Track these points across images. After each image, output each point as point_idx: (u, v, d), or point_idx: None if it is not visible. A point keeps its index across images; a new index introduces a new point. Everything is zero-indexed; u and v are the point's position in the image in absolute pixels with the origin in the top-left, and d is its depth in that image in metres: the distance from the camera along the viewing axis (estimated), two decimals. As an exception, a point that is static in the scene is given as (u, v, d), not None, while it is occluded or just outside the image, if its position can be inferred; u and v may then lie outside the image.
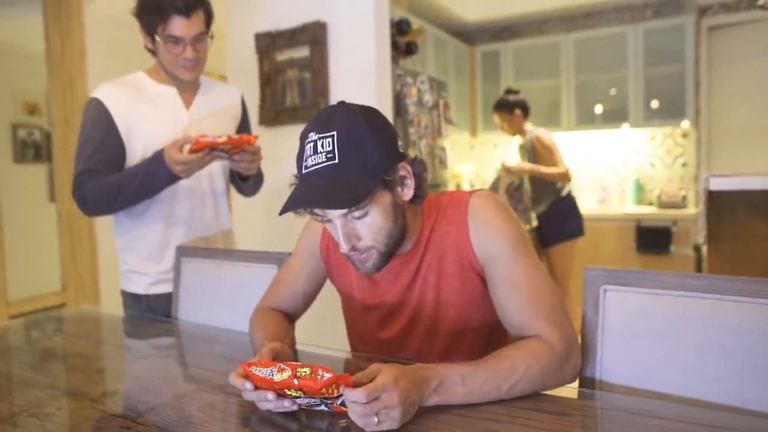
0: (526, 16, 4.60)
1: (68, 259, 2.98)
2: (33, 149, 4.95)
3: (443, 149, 3.29)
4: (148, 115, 1.51)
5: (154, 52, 1.52)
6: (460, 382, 0.80)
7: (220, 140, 1.36)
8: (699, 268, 3.77)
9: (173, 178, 1.41)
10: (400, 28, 2.94)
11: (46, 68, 2.98)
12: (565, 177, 3.13)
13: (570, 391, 0.91)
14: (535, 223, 3.17)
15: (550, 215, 3.19)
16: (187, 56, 1.45)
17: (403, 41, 2.96)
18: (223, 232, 1.69)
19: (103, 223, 3.03)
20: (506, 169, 3.06)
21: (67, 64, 2.93)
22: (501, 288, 0.95)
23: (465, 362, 0.84)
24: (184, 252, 1.55)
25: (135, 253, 1.57)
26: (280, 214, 0.91)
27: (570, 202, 3.24)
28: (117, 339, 1.35)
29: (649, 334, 0.93)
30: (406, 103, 2.84)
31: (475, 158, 5.00)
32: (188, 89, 1.59)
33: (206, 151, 1.36)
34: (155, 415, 0.85)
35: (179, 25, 1.40)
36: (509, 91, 3.34)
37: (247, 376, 0.82)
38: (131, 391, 0.94)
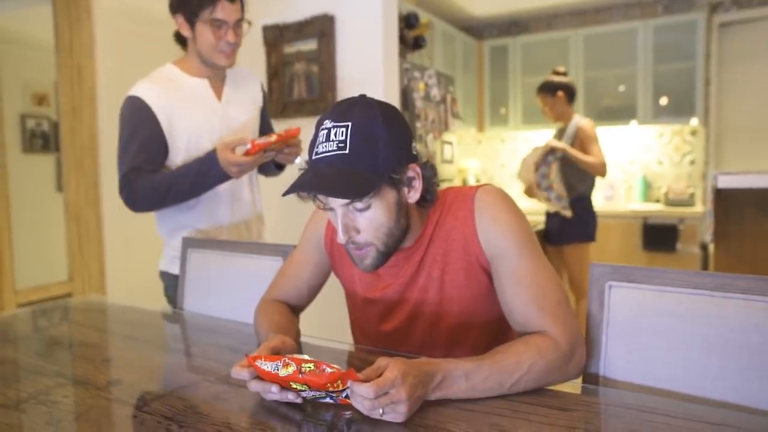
0: (535, 11, 4.57)
1: (75, 249, 3.00)
2: (41, 139, 4.97)
3: (450, 144, 3.28)
4: (186, 108, 1.55)
5: (184, 44, 1.62)
6: (464, 377, 0.81)
7: (272, 140, 1.45)
8: (705, 267, 3.75)
9: (226, 178, 1.48)
10: (408, 21, 2.93)
11: (55, 59, 2.98)
12: (603, 169, 2.92)
13: (574, 386, 0.91)
14: (569, 213, 2.97)
15: (573, 212, 3.00)
16: (228, 39, 1.51)
17: (411, 35, 2.95)
18: (258, 215, 1.78)
19: (111, 214, 3.05)
20: (548, 146, 2.91)
21: (76, 55, 2.94)
22: (506, 283, 0.95)
23: (470, 357, 0.84)
24: (190, 243, 1.56)
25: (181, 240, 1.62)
26: (284, 195, 0.93)
27: (591, 203, 3.10)
28: (123, 328, 1.36)
29: (654, 331, 0.93)
30: (414, 98, 2.83)
31: (482, 153, 4.98)
32: (217, 80, 1.64)
33: (260, 152, 1.46)
34: (161, 405, 0.85)
35: (225, 8, 1.47)
36: (555, 72, 3.12)
37: (251, 368, 0.82)
38: (137, 380, 0.95)
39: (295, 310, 1.20)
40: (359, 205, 0.91)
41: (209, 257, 1.51)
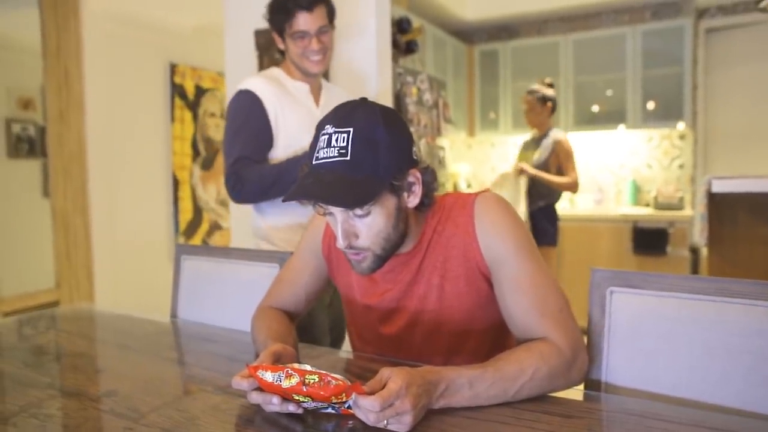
0: (525, 16, 4.60)
1: (62, 255, 2.96)
2: (27, 144, 4.90)
3: (442, 148, 3.29)
4: (291, 108, 1.61)
5: (284, 52, 1.66)
6: (467, 385, 0.80)
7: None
8: (695, 270, 3.78)
9: None
10: (400, 26, 2.93)
11: (42, 63, 2.94)
12: (575, 188, 3.11)
13: (576, 393, 0.90)
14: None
15: (535, 217, 3.12)
16: (313, 48, 1.56)
17: (403, 40, 2.95)
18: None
19: (99, 220, 3.00)
20: (518, 169, 3.05)
21: (63, 59, 2.90)
22: (507, 290, 0.94)
23: (473, 365, 0.83)
24: (183, 250, 1.54)
25: (277, 239, 1.64)
26: (284, 201, 0.91)
27: (555, 210, 3.21)
28: (114, 337, 1.33)
29: (656, 336, 0.93)
30: (406, 102, 2.83)
31: (473, 158, 4.99)
32: (315, 87, 1.70)
33: None
34: (158, 416, 0.83)
35: (303, 20, 1.53)
36: (548, 84, 3.27)
37: (252, 378, 0.81)
38: (132, 391, 0.93)
39: (293, 317, 1.18)
40: (359, 211, 0.90)
41: (203, 264, 1.49)
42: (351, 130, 0.88)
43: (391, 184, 0.91)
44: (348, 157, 0.87)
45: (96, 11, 2.98)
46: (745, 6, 4.06)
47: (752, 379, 0.85)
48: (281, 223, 1.62)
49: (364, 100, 0.95)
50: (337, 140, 0.88)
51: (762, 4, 2.69)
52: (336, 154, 0.87)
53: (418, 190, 0.95)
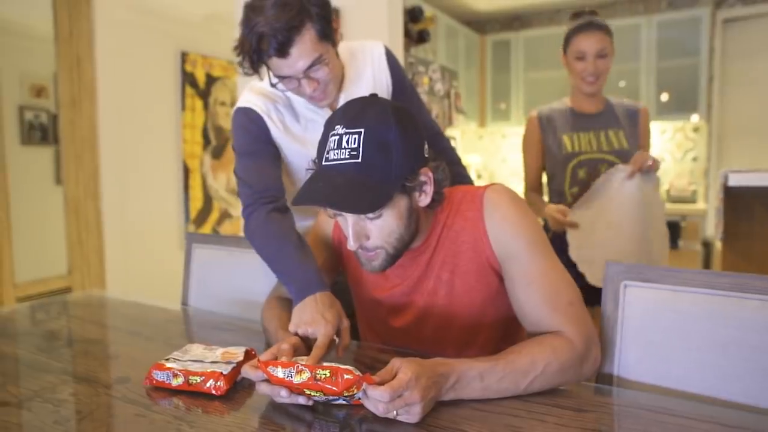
0: (537, 5, 4.54)
1: (75, 242, 2.98)
2: (40, 132, 4.93)
3: (453, 139, 3.27)
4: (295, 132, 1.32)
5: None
6: (478, 378, 0.79)
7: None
8: (707, 264, 3.75)
9: (294, 290, 1.08)
10: (412, 15, 2.91)
11: (54, 49, 2.95)
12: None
13: (588, 386, 0.90)
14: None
15: None
16: (304, 91, 1.20)
17: (415, 29, 2.93)
18: None
19: (110, 206, 3.02)
20: (643, 162, 1.62)
21: (75, 45, 2.91)
22: (518, 284, 0.93)
23: (484, 357, 0.83)
24: (194, 239, 1.54)
25: None
26: (294, 204, 0.90)
27: None
28: (126, 324, 1.34)
29: (669, 331, 0.92)
30: (418, 92, 2.82)
31: (483, 149, 4.97)
32: (335, 103, 1.31)
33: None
34: (169, 404, 0.84)
35: (279, 66, 1.14)
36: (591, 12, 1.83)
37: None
38: (144, 378, 0.93)
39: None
40: (371, 214, 0.89)
41: (214, 253, 1.50)
42: (362, 130, 0.86)
43: (403, 186, 0.90)
44: (359, 159, 0.85)
45: (108, -2, 2.98)
46: (764, -4, 3.98)
47: (764, 375, 0.84)
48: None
49: (374, 96, 0.93)
50: (348, 141, 0.86)
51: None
52: (347, 156, 0.86)
53: (429, 189, 0.94)
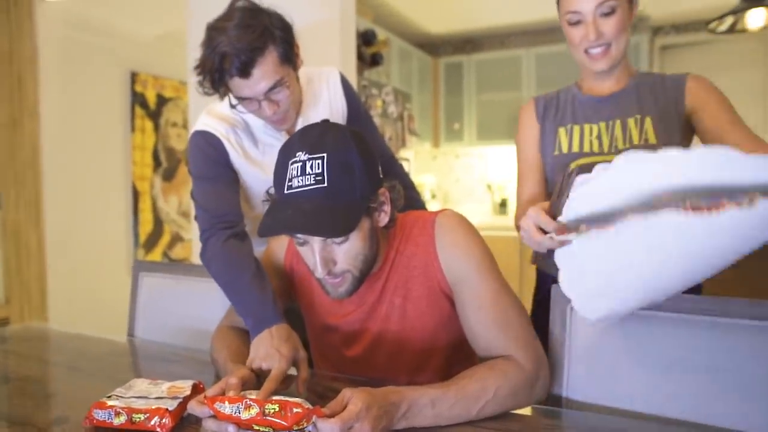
0: (488, 30, 4.68)
1: (13, 270, 2.83)
2: (-23, 153, 4.70)
3: (407, 160, 3.30)
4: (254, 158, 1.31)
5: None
6: (430, 405, 0.79)
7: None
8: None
9: (252, 323, 1.05)
10: (365, 38, 2.95)
11: (-6, 69, 2.83)
12: None
13: (538, 409, 0.91)
14: None
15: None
16: (265, 114, 1.19)
17: (368, 52, 2.97)
18: None
19: (53, 232, 2.89)
20: None
21: (16, 64, 2.80)
22: (469, 308, 0.94)
23: (435, 384, 0.83)
24: (142, 267, 1.49)
25: None
26: (262, 235, 0.88)
27: None
28: (67, 358, 1.28)
29: (616, 352, 0.95)
30: (371, 115, 2.84)
31: (437, 169, 5.04)
32: (293, 128, 1.30)
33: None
34: (110, 445, 0.80)
35: (240, 87, 1.14)
36: None
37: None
38: (83, 417, 0.89)
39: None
40: (338, 239, 0.89)
41: (163, 281, 1.45)
42: (325, 155, 0.86)
43: (367, 207, 0.90)
44: (326, 184, 0.85)
45: (52, 16, 2.89)
46: (696, 25, 4.24)
47: (709, 394, 0.87)
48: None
49: (326, 122, 0.94)
50: (312, 167, 0.86)
51: (711, 26, 2.81)
52: (313, 182, 0.85)
53: (387, 209, 0.95)
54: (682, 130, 1.19)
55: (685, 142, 1.19)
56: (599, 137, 1.21)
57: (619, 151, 1.12)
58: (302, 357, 0.95)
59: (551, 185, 1.27)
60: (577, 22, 1.17)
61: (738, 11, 2.66)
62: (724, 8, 2.80)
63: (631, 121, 1.20)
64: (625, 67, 1.25)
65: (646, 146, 1.15)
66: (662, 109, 1.19)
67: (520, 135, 1.36)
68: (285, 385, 0.90)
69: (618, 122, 1.21)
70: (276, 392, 0.83)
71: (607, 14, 1.15)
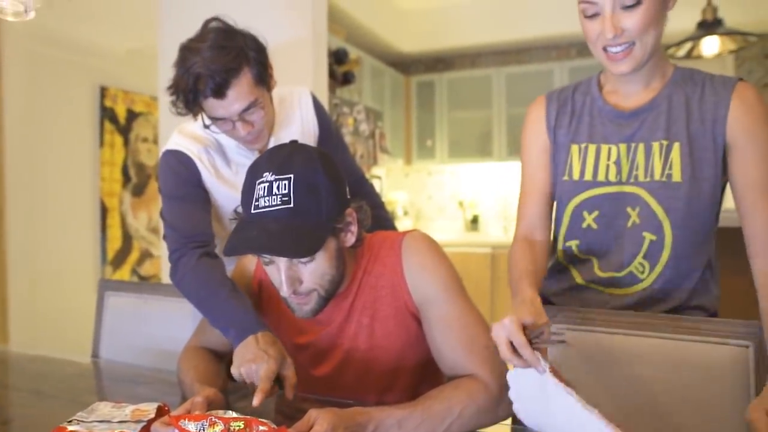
0: (459, 49, 4.78)
1: (-26, 288, 2.74)
2: (-63, 167, 4.56)
3: (378, 178, 3.33)
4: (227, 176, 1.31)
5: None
6: (396, 426, 0.80)
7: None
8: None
9: (230, 333, 1.05)
10: (337, 57, 2.98)
11: (-44, 83, 2.77)
12: None
13: (503, 427, 0.92)
14: None
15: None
16: (239, 134, 1.19)
17: (340, 71, 3.00)
18: None
19: (16, 249, 2.82)
20: None
21: (-20, 79, 2.74)
22: (436, 328, 0.96)
23: (402, 404, 0.84)
24: (108, 286, 1.47)
25: None
26: (228, 254, 0.89)
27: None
28: (28, 382, 1.24)
29: (576, 370, 0.97)
30: (343, 133, 2.86)
31: (410, 186, 5.08)
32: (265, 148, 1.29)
33: None
34: (71, 472, 0.78)
35: (214, 107, 1.14)
36: None
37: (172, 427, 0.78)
38: (43, 443, 0.87)
39: (222, 356, 1.15)
40: (304, 259, 0.90)
41: (129, 301, 1.43)
42: (292, 176, 0.87)
43: (333, 227, 0.92)
44: (292, 204, 0.86)
45: (17, 29, 2.84)
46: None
47: (666, 412, 0.90)
48: None
49: (295, 143, 0.95)
50: (279, 187, 0.87)
51: (669, 51, 2.92)
52: (279, 202, 0.86)
53: (354, 229, 0.96)
54: (715, 165, 0.99)
55: (715, 180, 0.99)
56: (618, 162, 1.03)
57: (635, 183, 1.01)
58: (289, 362, 0.96)
59: (558, 209, 1.13)
60: (594, 15, 0.96)
61: (695, 38, 2.78)
62: (682, 35, 2.92)
63: (656, 146, 1.01)
64: (658, 66, 1.03)
65: (666, 183, 0.99)
66: (694, 135, 0.99)
67: (525, 142, 1.15)
68: (275, 389, 0.91)
69: (641, 146, 1.02)
70: (268, 394, 0.85)
71: (629, 7, 0.93)
